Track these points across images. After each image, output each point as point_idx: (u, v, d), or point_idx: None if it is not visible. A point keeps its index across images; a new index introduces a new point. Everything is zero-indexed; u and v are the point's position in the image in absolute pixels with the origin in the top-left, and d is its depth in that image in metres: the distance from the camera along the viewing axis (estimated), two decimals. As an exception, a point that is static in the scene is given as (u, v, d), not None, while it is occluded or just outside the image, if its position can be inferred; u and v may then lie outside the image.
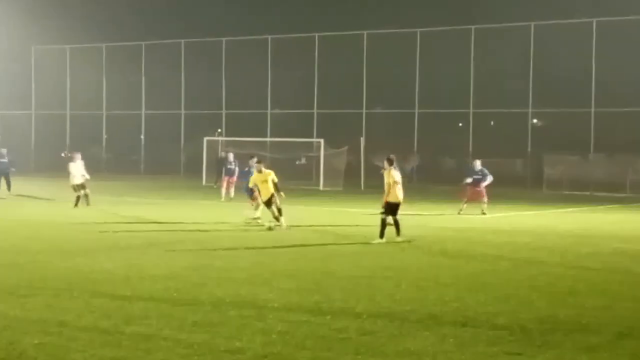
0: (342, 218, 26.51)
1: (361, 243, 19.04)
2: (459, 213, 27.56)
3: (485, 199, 27.90)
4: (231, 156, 34.72)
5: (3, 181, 34.57)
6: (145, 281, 13.02)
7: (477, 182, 28.10)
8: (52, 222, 23.25)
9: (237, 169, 32.66)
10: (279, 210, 21.78)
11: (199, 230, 21.49)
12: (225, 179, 33.55)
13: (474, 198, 27.98)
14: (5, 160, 34.83)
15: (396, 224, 19.17)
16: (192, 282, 12.97)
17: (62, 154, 44.13)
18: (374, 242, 18.82)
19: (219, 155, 44.47)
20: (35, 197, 33.09)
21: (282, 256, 16.69)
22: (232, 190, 33.10)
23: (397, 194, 19.28)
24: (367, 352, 8.76)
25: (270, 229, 21.53)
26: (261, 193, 22.21)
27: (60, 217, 24.51)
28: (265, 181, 22.01)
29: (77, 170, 28.80)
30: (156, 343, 8.94)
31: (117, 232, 20.68)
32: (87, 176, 28.98)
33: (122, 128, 60.51)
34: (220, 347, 8.78)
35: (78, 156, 29.40)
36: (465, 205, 27.83)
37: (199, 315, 10.33)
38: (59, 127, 61.32)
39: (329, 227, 23.14)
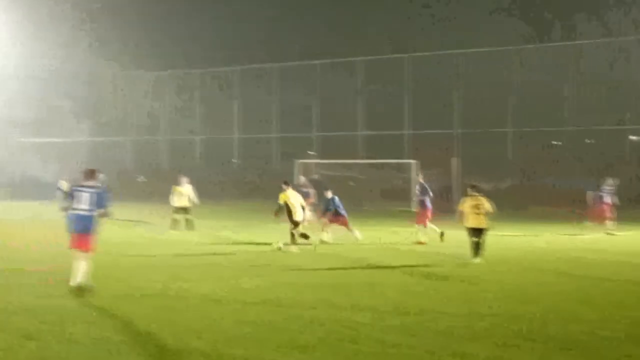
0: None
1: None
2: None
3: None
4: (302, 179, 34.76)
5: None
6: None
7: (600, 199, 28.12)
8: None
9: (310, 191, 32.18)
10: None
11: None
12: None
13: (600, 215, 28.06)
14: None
15: (478, 245, 19.11)
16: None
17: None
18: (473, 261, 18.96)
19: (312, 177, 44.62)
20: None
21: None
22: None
23: (473, 219, 19.27)
24: None
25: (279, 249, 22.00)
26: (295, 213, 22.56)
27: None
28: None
29: (184, 193, 29.11)
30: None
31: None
32: (196, 201, 29.15)
33: (215, 152, 61.25)
34: None
35: (185, 180, 29.62)
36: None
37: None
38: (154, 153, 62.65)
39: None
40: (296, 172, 49.28)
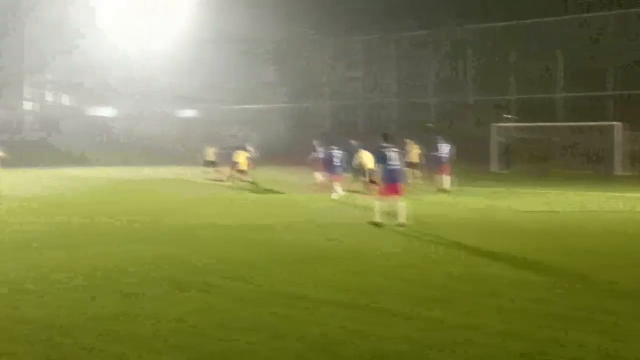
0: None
1: None
2: None
3: None
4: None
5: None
6: (379, 259, 13.24)
7: None
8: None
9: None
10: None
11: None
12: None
13: None
14: None
15: None
16: (424, 258, 13.16)
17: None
18: None
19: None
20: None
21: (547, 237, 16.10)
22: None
23: None
24: (611, 332, 8.31)
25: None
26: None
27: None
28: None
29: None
30: (394, 318, 8.96)
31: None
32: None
33: (410, 116, 61.29)
34: (458, 323, 8.64)
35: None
36: None
37: (433, 292, 10.31)
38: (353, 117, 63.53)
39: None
40: (492, 136, 48.72)
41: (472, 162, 46.80)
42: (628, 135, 45.04)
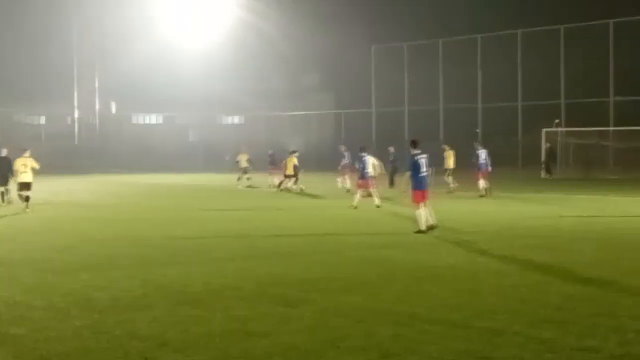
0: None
1: None
2: None
3: None
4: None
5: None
6: (490, 277, 13.01)
7: None
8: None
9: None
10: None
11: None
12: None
13: None
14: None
15: None
16: (536, 279, 12.78)
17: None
18: None
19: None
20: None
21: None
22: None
23: None
24: None
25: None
26: None
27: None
28: None
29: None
30: (507, 338, 8.87)
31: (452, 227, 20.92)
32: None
33: (456, 122, 61.00)
34: (572, 345, 8.53)
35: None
36: None
37: (548, 312, 10.14)
38: (398, 125, 63.36)
39: None
40: (543, 141, 48.35)
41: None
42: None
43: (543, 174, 46.18)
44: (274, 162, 39.32)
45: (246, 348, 8.50)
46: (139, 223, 22.62)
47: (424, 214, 18.73)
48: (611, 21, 53.13)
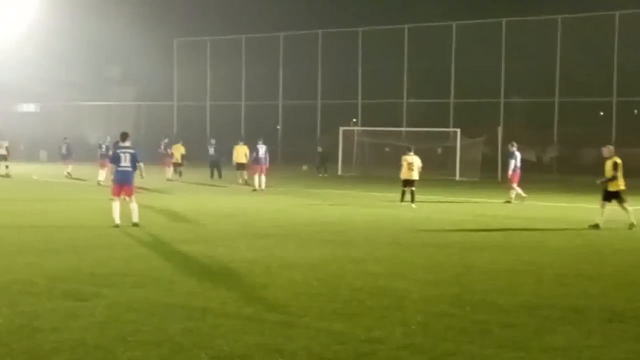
0: (480, 209, 26.22)
1: (501, 232, 18.73)
2: None
3: None
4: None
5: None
6: (284, 271, 13.17)
7: None
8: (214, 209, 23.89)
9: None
10: None
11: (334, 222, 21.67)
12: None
13: None
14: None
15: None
16: (329, 273, 13.06)
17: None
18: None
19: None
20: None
21: (419, 249, 16.58)
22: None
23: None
24: (509, 345, 8.56)
25: None
26: None
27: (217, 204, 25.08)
28: None
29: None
30: (298, 331, 9.01)
31: (257, 221, 21.05)
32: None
33: (259, 119, 61.48)
34: (361, 337, 8.77)
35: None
36: None
37: (338, 305, 10.38)
38: (200, 118, 63.11)
39: (467, 218, 22.91)
40: (341, 140, 49.64)
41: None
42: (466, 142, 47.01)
43: (318, 173, 47.18)
44: (69, 152, 39.70)
45: (32, 344, 8.16)
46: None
47: (118, 208, 18.79)
48: (406, 26, 55.31)
